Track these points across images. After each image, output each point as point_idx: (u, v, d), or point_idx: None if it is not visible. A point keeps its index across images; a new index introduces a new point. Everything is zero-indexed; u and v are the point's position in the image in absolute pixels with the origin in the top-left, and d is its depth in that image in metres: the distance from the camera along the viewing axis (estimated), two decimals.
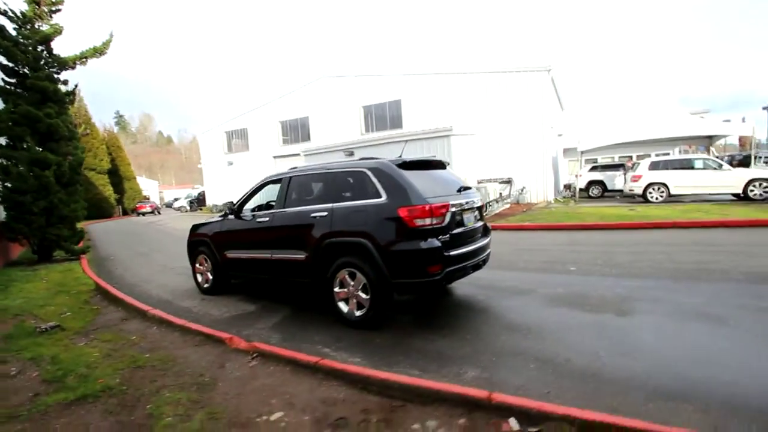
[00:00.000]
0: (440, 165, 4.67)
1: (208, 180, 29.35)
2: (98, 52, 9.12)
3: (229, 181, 27.53)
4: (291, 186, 4.85)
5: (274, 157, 25.07)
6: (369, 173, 4.10)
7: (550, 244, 8.08)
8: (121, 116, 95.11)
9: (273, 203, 5.64)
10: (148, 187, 51.37)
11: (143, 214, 34.26)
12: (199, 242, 5.98)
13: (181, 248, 11.33)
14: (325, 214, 4.27)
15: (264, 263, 4.93)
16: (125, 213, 35.38)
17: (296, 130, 24.60)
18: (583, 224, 9.77)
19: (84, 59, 9.02)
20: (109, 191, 31.57)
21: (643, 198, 14.61)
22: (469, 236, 4.29)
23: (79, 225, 10.01)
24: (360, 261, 3.96)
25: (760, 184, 12.76)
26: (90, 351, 3.78)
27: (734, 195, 13.55)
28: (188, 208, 38.24)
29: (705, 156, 15.66)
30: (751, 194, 12.86)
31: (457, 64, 20.45)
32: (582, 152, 19.02)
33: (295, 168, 5.07)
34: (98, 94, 65.67)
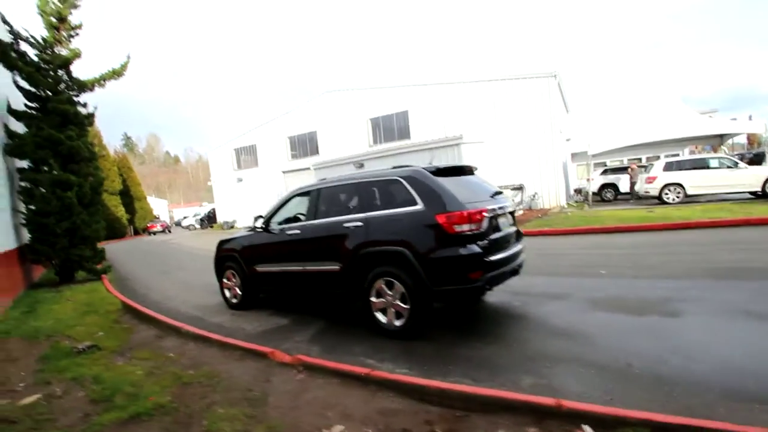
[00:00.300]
0: (470, 171, 4.66)
1: (218, 197, 29.58)
2: (117, 74, 9.31)
3: (239, 197, 27.74)
4: (321, 198, 4.84)
5: (283, 172, 25.26)
6: (403, 182, 4.09)
7: (574, 249, 7.99)
8: (128, 138, 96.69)
9: (301, 216, 5.65)
10: (158, 206, 51.91)
11: (154, 233, 34.55)
12: (226, 257, 5.97)
13: (201, 265, 11.42)
14: (359, 224, 4.25)
15: (295, 276, 4.91)
16: (136, 233, 35.68)
17: (304, 145, 24.81)
18: (604, 227, 9.66)
19: (103, 81, 9.21)
20: (121, 212, 31.90)
21: (659, 199, 14.47)
22: (505, 241, 4.25)
23: (99, 245, 10.07)
24: (398, 270, 3.92)
25: None
26: (132, 369, 3.75)
27: (752, 193, 13.36)
28: (197, 226, 38.63)
29: (720, 155, 15.51)
30: None
31: (462, 74, 20.65)
32: (592, 156, 18.93)
33: (324, 179, 5.08)
34: (106, 116, 66.92)
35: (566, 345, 3.45)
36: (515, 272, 4.31)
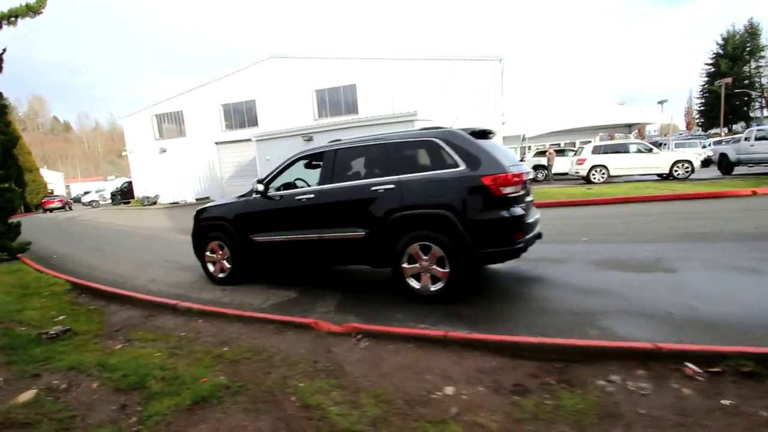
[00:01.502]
0: (492, 135, 4.65)
1: (136, 169, 26.21)
2: (32, 10, 7.49)
3: (162, 170, 24.91)
4: (338, 160, 4.49)
5: (216, 143, 23.17)
6: (440, 142, 3.95)
7: (544, 220, 8.53)
8: (4, 98, 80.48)
9: (300, 181, 5.22)
10: (53, 180, 44.64)
11: (51, 210, 29.70)
12: (210, 227, 5.31)
13: (141, 243, 10.15)
14: (391, 186, 4.03)
15: (308, 245, 4.53)
16: (28, 209, 30.29)
17: (241, 114, 22.94)
18: (558, 201, 10.50)
19: (14, 18, 7.38)
20: None
21: (586, 179, 16.08)
22: (531, 206, 4.36)
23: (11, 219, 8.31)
24: (438, 233, 3.81)
25: (683, 165, 14.79)
26: (144, 352, 3.18)
27: (659, 175, 15.50)
28: (102, 202, 34.19)
29: (638, 141, 17.66)
30: (675, 174, 14.83)
31: (411, 50, 20.58)
32: (525, 138, 20.35)
33: (338, 140, 4.70)
34: None
35: (601, 300, 3.67)
36: (539, 236, 4.46)
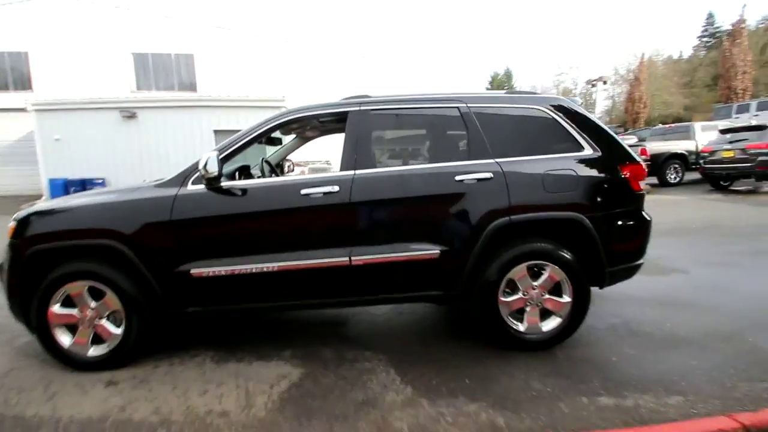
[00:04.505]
0: None
1: None
2: None
3: None
4: (374, 128, 2.66)
5: None
6: (553, 114, 2.71)
7: None
8: None
9: (267, 165, 3.12)
10: None
11: None
12: (67, 251, 2.53)
13: None
14: (487, 175, 2.54)
15: (322, 276, 2.53)
16: None
17: (1, 72, 15.33)
18: None
19: None
20: None
21: None
22: None
23: None
24: (560, 247, 2.57)
25: None
26: None
27: None
28: None
29: None
30: None
31: (271, 30, 17.96)
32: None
33: (366, 97, 2.80)
34: None
35: (693, 313, 3.21)
36: None
